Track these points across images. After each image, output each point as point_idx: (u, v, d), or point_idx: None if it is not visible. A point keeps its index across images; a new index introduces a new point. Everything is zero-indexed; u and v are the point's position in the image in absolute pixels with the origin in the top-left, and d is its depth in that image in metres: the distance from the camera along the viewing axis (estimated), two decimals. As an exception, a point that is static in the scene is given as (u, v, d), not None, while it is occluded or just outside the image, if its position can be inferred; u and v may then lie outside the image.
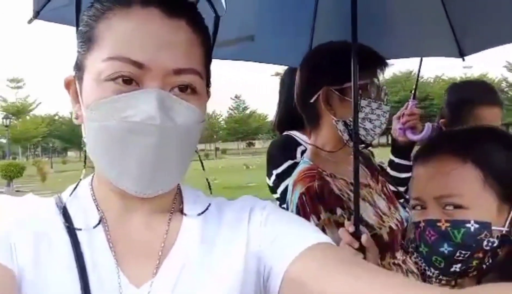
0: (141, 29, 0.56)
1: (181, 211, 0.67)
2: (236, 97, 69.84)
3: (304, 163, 1.24)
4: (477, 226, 0.80)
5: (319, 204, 1.10)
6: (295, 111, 1.39)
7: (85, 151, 0.63)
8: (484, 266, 0.81)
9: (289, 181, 1.27)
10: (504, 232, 0.80)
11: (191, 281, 0.60)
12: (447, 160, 0.83)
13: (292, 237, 0.60)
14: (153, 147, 0.55)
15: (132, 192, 0.58)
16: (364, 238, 1.01)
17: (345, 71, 1.14)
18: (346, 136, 1.21)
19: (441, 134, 1.07)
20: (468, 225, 0.80)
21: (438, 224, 0.82)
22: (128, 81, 0.56)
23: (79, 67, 0.61)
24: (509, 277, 0.72)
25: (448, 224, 0.81)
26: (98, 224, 0.61)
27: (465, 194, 0.81)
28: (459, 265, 0.82)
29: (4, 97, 64.02)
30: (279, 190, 1.71)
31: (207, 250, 0.63)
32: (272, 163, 1.76)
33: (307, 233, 0.61)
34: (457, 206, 0.81)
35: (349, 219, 1.09)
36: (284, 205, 1.40)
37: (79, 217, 0.61)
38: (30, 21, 1.15)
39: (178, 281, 0.59)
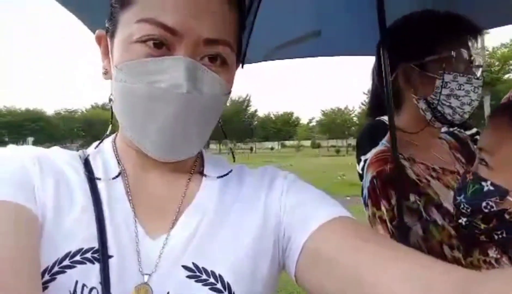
0: None
1: (201, 173, 0.68)
2: (368, 91, 68.10)
3: (380, 145, 1.17)
4: (491, 188, 0.78)
5: (390, 188, 1.01)
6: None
7: (111, 107, 0.64)
8: (496, 237, 0.79)
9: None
10: None
11: (206, 238, 0.60)
12: (508, 122, 0.82)
13: (313, 209, 0.61)
14: (177, 116, 0.56)
15: (153, 156, 0.61)
16: None
17: (424, 44, 1.06)
18: (429, 115, 1.09)
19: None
20: (483, 183, 0.79)
21: (467, 175, 0.87)
22: (159, 44, 0.56)
23: (112, 23, 0.61)
24: None
25: (471, 177, 0.84)
26: (118, 176, 0.63)
27: (501, 154, 0.80)
28: (464, 219, 0.84)
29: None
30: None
31: (225, 210, 0.64)
32: (360, 149, 1.62)
33: (328, 206, 0.61)
34: (490, 166, 0.81)
35: (425, 207, 0.99)
36: None
37: (100, 169, 0.64)
38: None
39: (193, 236, 0.60)
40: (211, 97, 0.59)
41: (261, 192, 0.67)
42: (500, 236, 0.78)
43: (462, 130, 1.33)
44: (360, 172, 1.51)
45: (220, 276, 0.57)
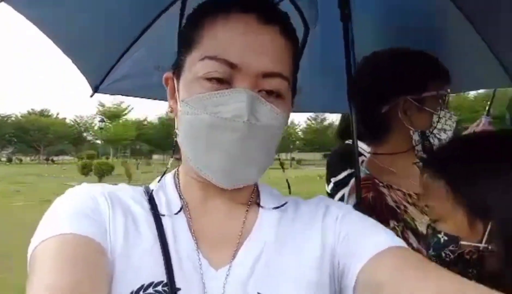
0: (238, 33, 0.61)
1: (258, 204, 0.71)
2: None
3: (361, 173, 1.20)
4: (446, 238, 0.83)
5: (372, 215, 0.95)
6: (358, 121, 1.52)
7: (175, 141, 0.68)
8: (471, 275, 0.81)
9: (345, 190, 1.27)
10: (481, 248, 0.79)
11: (268, 268, 0.62)
12: (430, 175, 0.87)
13: (368, 238, 0.62)
14: (238, 142, 0.60)
15: (215, 182, 0.63)
16: None
17: (423, 80, 1.14)
18: (419, 147, 1.16)
19: (432, 151, 1.04)
20: (439, 235, 0.84)
21: (428, 228, 0.90)
22: (221, 80, 0.60)
23: (178, 66, 0.67)
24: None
25: (430, 231, 0.88)
26: (180, 211, 0.66)
27: (436, 207, 0.85)
28: None
29: (101, 102, 68.73)
30: (336, 198, 1.65)
31: (283, 240, 0.66)
32: (331, 171, 1.72)
33: (382, 235, 0.62)
34: (434, 219, 0.86)
35: (402, 232, 1.06)
36: None
37: (163, 205, 0.67)
38: (91, 95, 1.47)
39: (255, 267, 0.62)
40: (268, 127, 0.62)
41: (317, 222, 0.68)
42: (471, 274, 0.82)
43: None
44: (329, 192, 1.62)
45: None
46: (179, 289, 0.58)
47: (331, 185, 1.66)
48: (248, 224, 0.68)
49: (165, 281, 0.58)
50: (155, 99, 1.60)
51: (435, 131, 1.17)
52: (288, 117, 0.68)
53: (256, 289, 0.61)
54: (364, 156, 1.56)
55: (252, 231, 0.67)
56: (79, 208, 0.60)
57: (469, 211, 0.80)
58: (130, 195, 0.68)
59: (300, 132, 74.96)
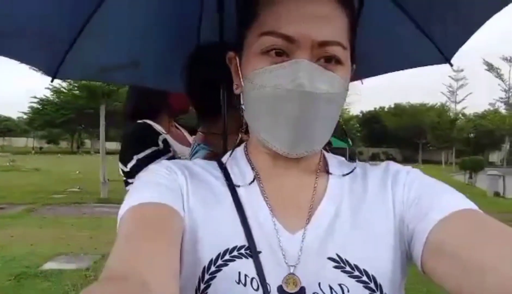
0: (294, 5, 0.63)
1: (327, 172, 0.73)
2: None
3: (202, 150, 1.33)
4: None
5: None
6: (150, 101, 1.79)
7: (243, 117, 0.71)
8: None
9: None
10: None
11: (343, 230, 0.64)
12: None
13: (437, 201, 0.62)
14: (300, 112, 0.62)
15: (281, 152, 0.66)
16: None
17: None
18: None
19: None
20: None
21: None
22: (280, 53, 0.63)
23: (239, 43, 0.70)
24: None
25: None
26: (253, 181, 0.70)
27: None
28: None
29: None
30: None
31: (356, 203, 0.68)
32: (132, 148, 1.74)
33: (453, 198, 0.62)
34: None
35: None
36: None
37: (237, 176, 0.72)
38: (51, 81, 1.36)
39: (330, 229, 0.64)
40: (329, 94, 0.63)
41: (387, 187, 0.70)
42: None
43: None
44: (128, 170, 1.72)
45: (364, 270, 0.61)
46: (260, 252, 0.62)
47: (133, 161, 1.72)
48: (319, 190, 0.70)
49: (247, 245, 0.62)
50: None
51: None
52: (348, 81, 0.69)
53: (335, 250, 0.62)
54: (163, 135, 1.77)
55: (324, 197, 0.69)
56: (157, 180, 0.66)
57: None
58: (205, 168, 0.73)
59: None
